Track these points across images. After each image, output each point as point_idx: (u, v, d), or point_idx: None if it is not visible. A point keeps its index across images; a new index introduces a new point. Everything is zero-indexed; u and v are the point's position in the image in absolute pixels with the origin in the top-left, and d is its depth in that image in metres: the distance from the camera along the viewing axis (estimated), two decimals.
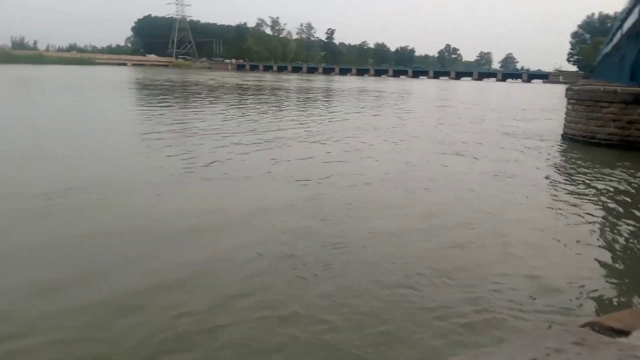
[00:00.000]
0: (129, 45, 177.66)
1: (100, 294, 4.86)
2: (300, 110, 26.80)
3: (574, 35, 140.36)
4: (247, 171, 10.47)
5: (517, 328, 4.26)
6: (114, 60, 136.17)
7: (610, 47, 62.81)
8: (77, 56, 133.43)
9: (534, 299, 4.95)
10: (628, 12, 39.43)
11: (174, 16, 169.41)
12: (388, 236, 6.75)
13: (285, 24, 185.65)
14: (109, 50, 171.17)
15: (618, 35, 50.11)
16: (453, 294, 5.03)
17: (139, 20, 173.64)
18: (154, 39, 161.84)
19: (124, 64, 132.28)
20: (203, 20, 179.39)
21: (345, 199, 8.52)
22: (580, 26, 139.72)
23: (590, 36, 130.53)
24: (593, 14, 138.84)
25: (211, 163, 11.12)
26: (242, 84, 55.15)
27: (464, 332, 4.28)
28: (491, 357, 0.80)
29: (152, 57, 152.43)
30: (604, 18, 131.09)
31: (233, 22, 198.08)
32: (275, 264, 5.65)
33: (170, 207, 7.83)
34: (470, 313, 4.61)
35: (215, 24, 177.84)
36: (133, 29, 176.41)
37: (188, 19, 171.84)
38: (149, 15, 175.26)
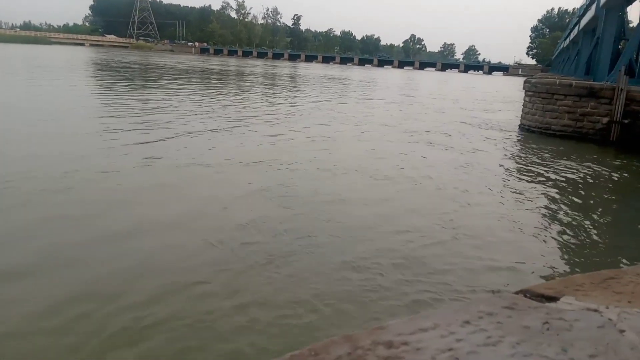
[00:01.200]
0: (87, 24, 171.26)
1: (50, 282, 4.72)
2: (268, 97, 26.56)
3: (534, 29, 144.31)
4: (208, 158, 10.31)
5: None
6: (71, 40, 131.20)
7: (567, 41, 65.06)
8: (31, 34, 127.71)
9: (476, 275, 5.21)
10: (586, 8, 40.92)
11: None
12: (348, 222, 6.81)
13: (251, 8, 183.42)
14: (66, 29, 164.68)
15: (575, 31, 51.94)
16: (400, 273, 5.17)
17: None
18: (114, 18, 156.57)
19: (82, 44, 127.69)
20: (165, 0, 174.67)
21: (308, 186, 8.54)
22: (540, 20, 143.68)
23: (549, 31, 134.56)
24: (553, 9, 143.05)
25: (176, 150, 10.88)
26: (211, 68, 54.14)
27: (405, 308, 4.46)
28: (427, 320, 0.83)
29: (112, 37, 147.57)
30: (563, 14, 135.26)
31: (197, 4, 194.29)
32: (233, 251, 5.62)
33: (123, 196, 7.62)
34: (415, 292, 4.78)
35: (178, 5, 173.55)
36: (92, 7, 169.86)
37: None
38: None
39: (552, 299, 0.95)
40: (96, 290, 4.54)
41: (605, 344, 0.80)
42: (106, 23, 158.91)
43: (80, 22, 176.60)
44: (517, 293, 0.97)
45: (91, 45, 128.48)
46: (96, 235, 5.77)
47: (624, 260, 5.96)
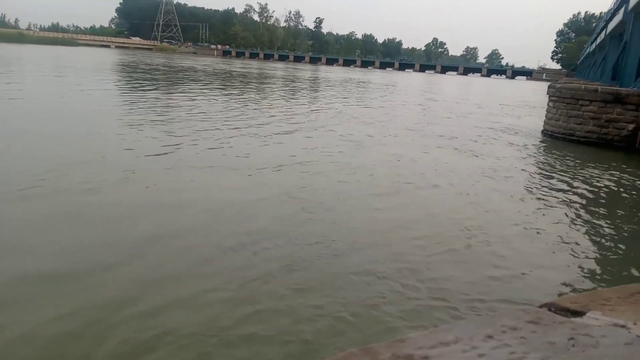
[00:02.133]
0: (113, 26, 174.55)
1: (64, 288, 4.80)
2: (292, 100, 26.64)
3: (559, 33, 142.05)
4: (234, 160, 10.39)
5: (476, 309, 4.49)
6: (97, 42, 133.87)
7: (593, 46, 63.87)
8: (59, 36, 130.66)
9: (496, 283, 5.13)
10: (613, 12, 40.15)
11: None
12: (369, 227, 6.79)
13: (273, 11, 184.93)
14: (92, 30, 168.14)
15: (602, 35, 50.96)
16: (415, 278, 5.13)
17: (124, 1, 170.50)
18: (139, 21, 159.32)
19: (107, 46, 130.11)
20: (190, 3, 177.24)
21: (331, 189, 8.55)
22: (566, 25, 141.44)
23: (575, 35, 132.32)
24: (579, 13, 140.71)
25: (201, 151, 11.00)
26: (238, 71, 54.60)
27: (424, 314, 4.45)
28: (449, 333, 0.81)
29: (136, 39, 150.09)
30: (589, 18, 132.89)
31: (220, 7, 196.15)
32: (250, 257, 5.64)
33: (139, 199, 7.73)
34: (430, 299, 4.75)
35: (202, 8, 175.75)
36: (118, 10, 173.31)
37: (174, 1, 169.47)
38: None
39: (578, 313, 0.93)
40: (106, 296, 4.55)
41: None
42: (131, 25, 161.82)
43: (106, 24, 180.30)
44: (541, 307, 0.95)
45: (116, 47, 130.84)
46: (112, 239, 5.84)
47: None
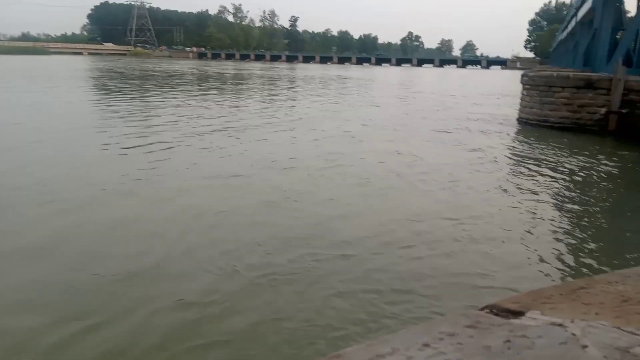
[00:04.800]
0: (85, 33, 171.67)
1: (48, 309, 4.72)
2: (269, 100, 26.53)
3: (532, 22, 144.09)
4: (220, 166, 10.32)
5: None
6: (69, 49, 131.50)
7: (565, 34, 64.80)
8: (30, 45, 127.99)
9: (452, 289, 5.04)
10: (583, 0, 40.79)
11: (132, 3, 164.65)
12: (345, 229, 6.80)
13: (248, 11, 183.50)
14: (64, 38, 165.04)
15: (573, 23, 51.74)
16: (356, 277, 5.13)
17: (96, 7, 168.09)
18: (111, 26, 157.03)
19: (80, 53, 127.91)
20: (163, 7, 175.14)
21: (310, 189, 8.54)
22: (537, 14, 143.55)
23: (547, 23, 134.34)
24: (550, 2, 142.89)
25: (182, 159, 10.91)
26: (208, 73, 54.17)
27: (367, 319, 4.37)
28: (386, 344, 0.82)
29: (110, 45, 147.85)
30: (560, 6, 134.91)
31: (194, 9, 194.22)
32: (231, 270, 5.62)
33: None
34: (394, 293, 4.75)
35: (175, 11, 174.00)
36: (89, 16, 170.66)
37: (147, 5, 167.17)
38: (106, 1, 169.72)
39: (518, 313, 0.94)
40: (84, 308, 4.51)
41: None
42: (104, 31, 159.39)
43: (78, 32, 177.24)
44: (482, 309, 0.96)
45: (89, 54, 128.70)
46: (85, 250, 5.77)
47: (613, 264, 5.81)
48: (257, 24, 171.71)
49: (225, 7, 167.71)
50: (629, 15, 38.63)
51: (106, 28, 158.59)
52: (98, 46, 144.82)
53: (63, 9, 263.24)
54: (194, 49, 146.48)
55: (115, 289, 4.79)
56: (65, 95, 24.51)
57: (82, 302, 4.56)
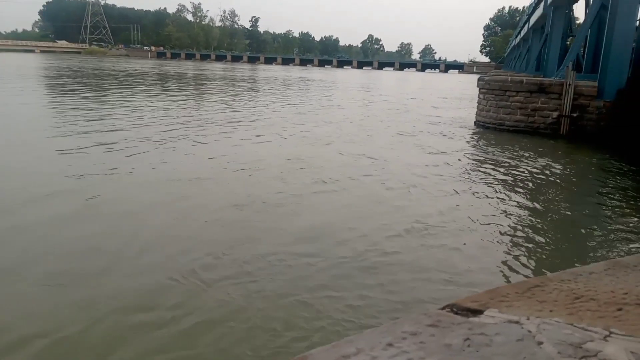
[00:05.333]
0: (37, 30, 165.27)
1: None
2: (231, 102, 26.25)
3: (486, 27, 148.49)
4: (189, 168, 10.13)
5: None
6: (20, 47, 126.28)
7: (518, 39, 67.19)
8: None
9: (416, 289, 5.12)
10: (534, 6, 42.38)
11: None
12: (297, 229, 6.82)
13: (207, 11, 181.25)
14: (14, 35, 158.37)
15: (525, 29, 53.70)
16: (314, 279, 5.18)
17: (48, 3, 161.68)
18: (64, 23, 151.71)
19: (32, 51, 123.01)
20: (119, 4, 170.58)
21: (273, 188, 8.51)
22: (492, 19, 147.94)
23: (501, 29, 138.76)
24: (504, 8, 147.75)
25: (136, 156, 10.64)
26: (168, 73, 53.09)
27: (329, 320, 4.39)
28: (351, 345, 0.83)
29: (63, 43, 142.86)
30: (513, 12, 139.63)
31: (151, 7, 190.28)
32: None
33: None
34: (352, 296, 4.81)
35: (132, 9, 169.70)
36: (41, 12, 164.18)
37: (102, 2, 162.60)
38: None
39: (477, 312, 0.97)
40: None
41: (522, 358, 0.82)
42: (57, 28, 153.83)
43: (29, 28, 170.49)
44: (443, 308, 0.98)
45: (42, 51, 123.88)
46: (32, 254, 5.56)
47: (566, 262, 6.07)
48: (217, 23, 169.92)
49: (184, 6, 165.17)
50: (578, 21, 40.44)
51: (59, 25, 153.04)
52: (51, 44, 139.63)
53: (13, 5, 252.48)
54: (153, 48, 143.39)
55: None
56: (18, 96, 23.52)
57: None
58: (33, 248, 5.67)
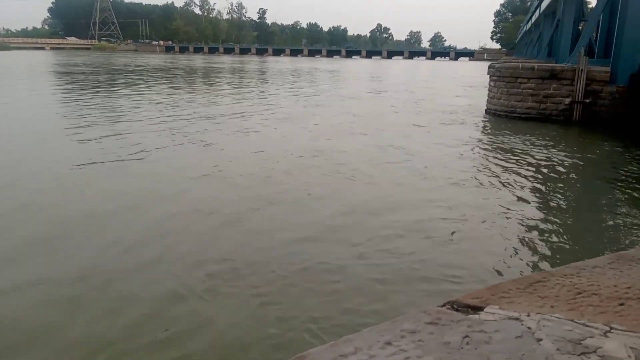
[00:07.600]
0: (46, 27, 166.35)
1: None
2: (239, 96, 26.28)
3: (497, 14, 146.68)
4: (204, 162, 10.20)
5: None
6: (31, 44, 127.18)
7: (529, 25, 66.17)
8: None
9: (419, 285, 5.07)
10: None
11: None
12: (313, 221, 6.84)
13: (215, 4, 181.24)
14: (25, 33, 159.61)
15: (537, 14, 52.85)
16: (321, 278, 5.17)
17: (57, 0, 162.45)
18: (74, 20, 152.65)
19: (42, 48, 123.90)
20: None
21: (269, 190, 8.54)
22: (502, 5, 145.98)
23: (512, 15, 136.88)
24: None
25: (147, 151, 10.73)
26: (177, 67, 53.24)
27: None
28: (349, 344, 0.83)
29: (73, 39, 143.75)
30: None
31: (159, 1, 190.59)
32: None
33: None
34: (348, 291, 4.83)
35: (140, 4, 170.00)
36: (50, 10, 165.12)
37: None
38: None
39: (477, 309, 0.97)
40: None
41: (520, 355, 0.82)
42: (66, 25, 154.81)
43: (39, 26, 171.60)
44: (443, 305, 0.99)
45: (52, 48, 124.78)
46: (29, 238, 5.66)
47: (575, 255, 5.94)
48: (225, 16, 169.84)
49: (191, 0, 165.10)
50: (590, 6, 39.71)
51: (68, 22, 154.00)
52: (61, 40, 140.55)
53: (23, 2, 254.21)
54: (161, 42, 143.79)
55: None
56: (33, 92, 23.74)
57: None
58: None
